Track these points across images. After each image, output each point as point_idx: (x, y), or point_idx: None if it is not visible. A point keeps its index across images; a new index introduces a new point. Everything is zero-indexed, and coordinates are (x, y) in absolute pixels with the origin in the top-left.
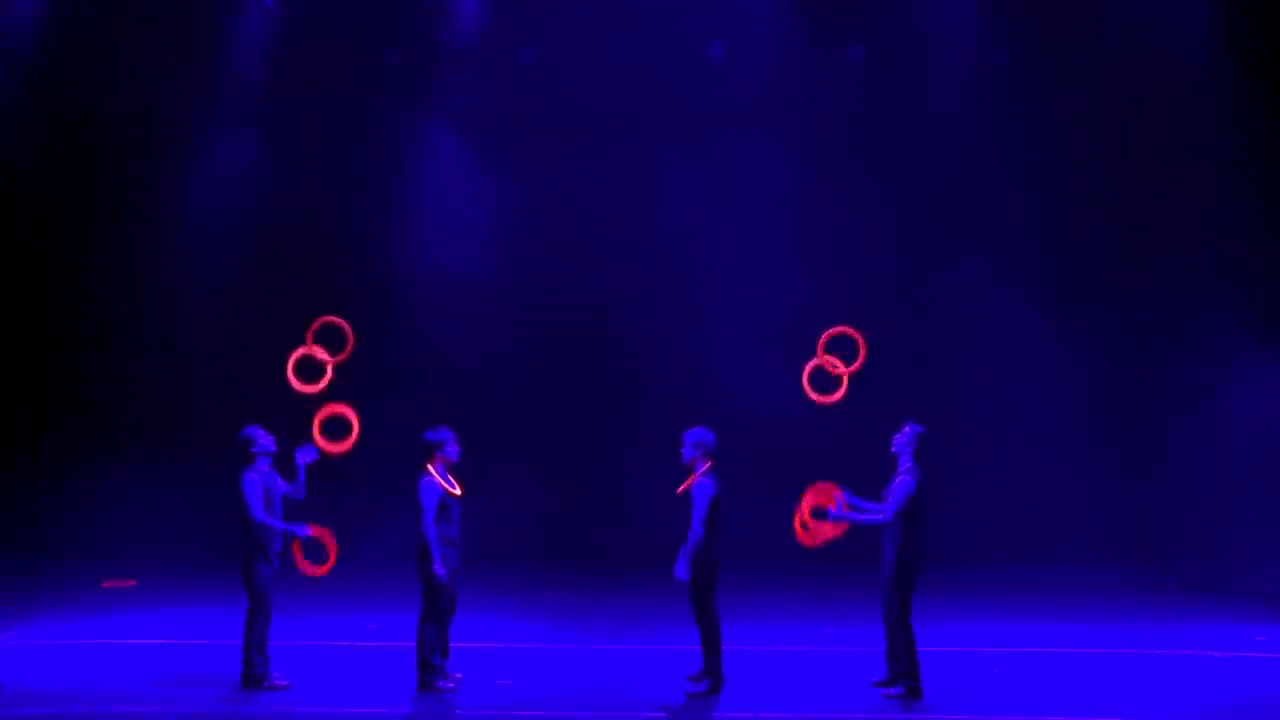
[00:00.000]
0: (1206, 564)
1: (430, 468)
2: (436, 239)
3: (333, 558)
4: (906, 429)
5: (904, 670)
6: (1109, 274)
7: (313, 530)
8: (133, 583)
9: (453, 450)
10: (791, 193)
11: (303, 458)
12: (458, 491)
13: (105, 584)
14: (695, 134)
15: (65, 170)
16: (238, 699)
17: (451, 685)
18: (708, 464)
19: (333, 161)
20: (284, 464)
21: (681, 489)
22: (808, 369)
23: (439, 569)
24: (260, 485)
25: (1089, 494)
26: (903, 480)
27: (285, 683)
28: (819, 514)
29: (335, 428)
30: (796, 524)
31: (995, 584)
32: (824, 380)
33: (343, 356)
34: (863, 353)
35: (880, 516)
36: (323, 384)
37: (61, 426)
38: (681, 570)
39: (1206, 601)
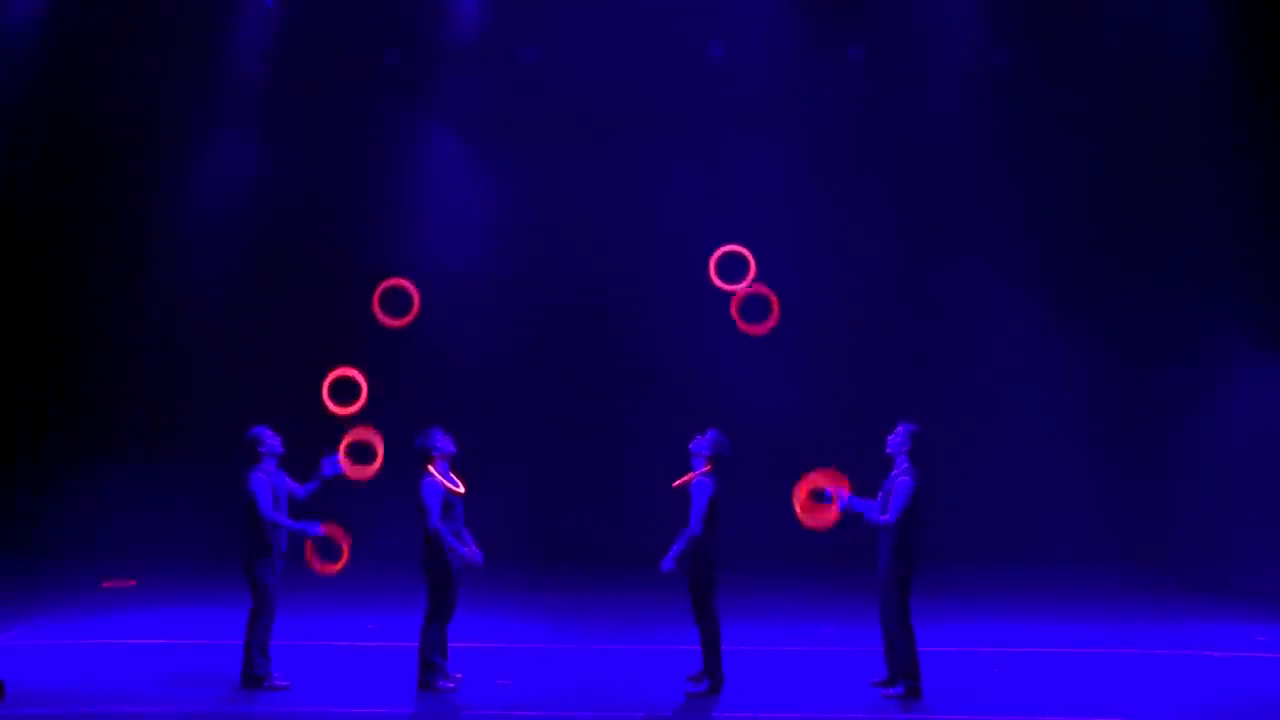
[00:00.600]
0: (1206, 564)
1: (430, 469)
2: (436, 239)
3: (345, 555)
4: (900, 429)
5: (904, 670)
6: (1109, 274)
7: (325, 529)
8: (133, 583)
9: (445, 446)
10: (791, 193)
11: (329, 469)
12: (461, 489)
13: (105, 584)
14: (695, 134)
15: (65, 171)
16: (238, 699)
17: (452, 685)
18: (709, 465)
19: (333, 161)
20: (288, 465)
21: (679, 483)
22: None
23: (465, 551)
24: (268, 485)
25: (1089, 494)
26: (902, 481)
27: (285, 683)
28: (818, 496)
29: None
30: (797, 507)
31: (995, 584)
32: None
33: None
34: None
35: (883, 518)
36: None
37: (61, 426)
38: (669, 563)
39: (1206, 601)
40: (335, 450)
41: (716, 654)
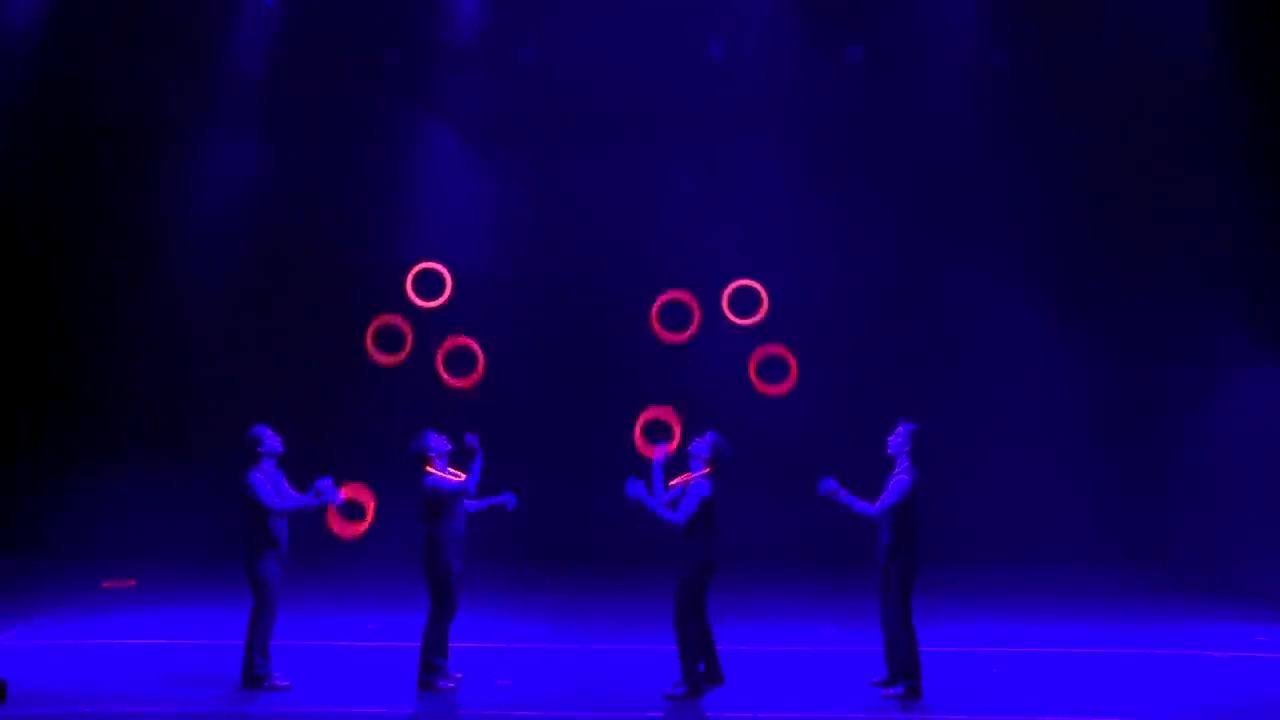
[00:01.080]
0: (1206, 564)
1: (430, 469)
2: (436, 239)
3: (370, 516)
4: (900, 428)
5: (905, 670)
6: (1109, 274)
7: (345, 492)
8: (133, 583)
9: (440, 445)
10: (791, 193)
11: (326, 493)
12: (463, 475)
13: (105, 584)
14: (695, 134)
15: (65, 170)
16: (238, 699)
17: (452, 685)
18: (708, 468)
19: (333, 161)
20: (287, 466)
21: (676, 482)
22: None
23: (498, 499)
24: (267, 484)
25: (1089, 494)
26: (898, 479)
27: (285, 683)
28: (656, 430)
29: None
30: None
31: (995, 584)
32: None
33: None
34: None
35: (870, 510)
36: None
37: (61, 426)
38: (634, 489)
39: (1206, 601)
40: (331, 477)
41: (696, 657)
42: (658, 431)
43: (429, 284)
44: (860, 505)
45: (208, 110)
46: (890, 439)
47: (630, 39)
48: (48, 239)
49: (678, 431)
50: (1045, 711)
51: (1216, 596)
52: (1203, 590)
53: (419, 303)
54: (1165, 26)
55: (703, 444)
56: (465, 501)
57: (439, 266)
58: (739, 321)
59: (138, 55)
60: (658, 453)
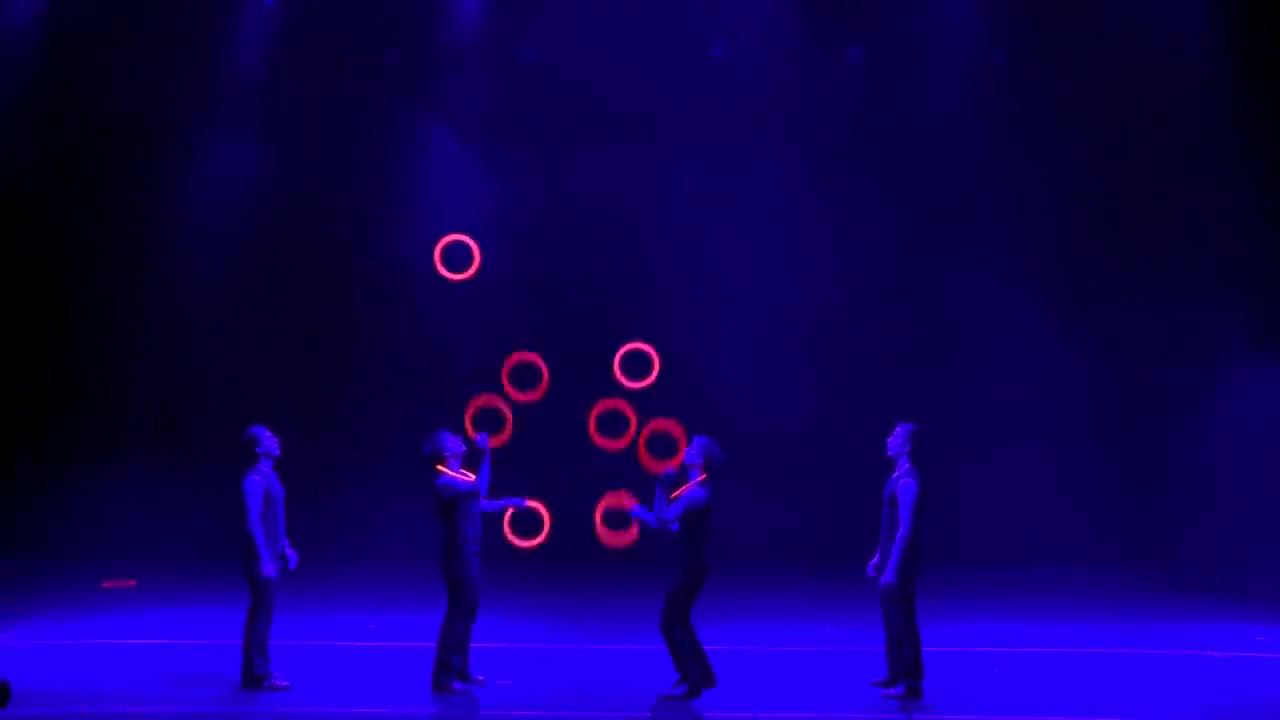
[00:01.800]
0: (1206, 564)
1: (442, 469)
2: (437, 239)
3: (546, 528)
4: (899, 430)
5: (906, 670)
6: (1109, 274)
7: (528, 502)
8: (133, 583)
9: (455, 446)
10: (791, 193)
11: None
12: (473, 476)
13: (105, 584)
14: (696, 134)
15: (65, 170)
16: (238, 699)
17: (464, 688)
18: (703, 475)
19: (333, 161)
20: (286, 466)
21: (677, 494)
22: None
23: (512, 500)
24: (261, 488)
25: (1089, 494)
26: (905, 483)
27: (285, 683)
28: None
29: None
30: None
31: (995, 584)
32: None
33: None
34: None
35: (904, 531)
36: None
37: (61, 426)
38: (639, 510)
39: (1206, 601)
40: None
41: (690, 657)
42: (611, 424)
43: (457, 257)
44: (900, 538)
45: (208, 110)
46: (890, 440)
47: (631, 39)
48: (48, 239)
49: (632, 424)
50: (1045, 711)
51: (1216, 596)
52: (1203, 590)
53: (449, 276)
54: (1165, 26)
55: (693, 451)
56: (480, 502)
57: (467, 239)
58: (631, 384)
59: (138, 55)
60: (664, 469)
